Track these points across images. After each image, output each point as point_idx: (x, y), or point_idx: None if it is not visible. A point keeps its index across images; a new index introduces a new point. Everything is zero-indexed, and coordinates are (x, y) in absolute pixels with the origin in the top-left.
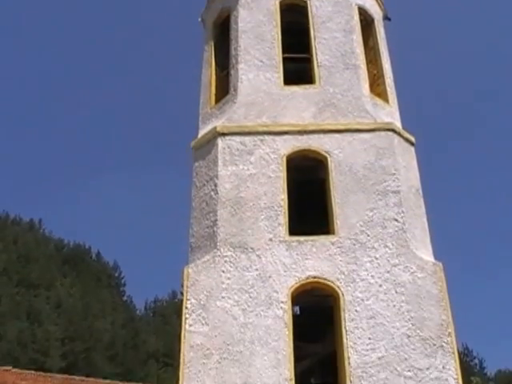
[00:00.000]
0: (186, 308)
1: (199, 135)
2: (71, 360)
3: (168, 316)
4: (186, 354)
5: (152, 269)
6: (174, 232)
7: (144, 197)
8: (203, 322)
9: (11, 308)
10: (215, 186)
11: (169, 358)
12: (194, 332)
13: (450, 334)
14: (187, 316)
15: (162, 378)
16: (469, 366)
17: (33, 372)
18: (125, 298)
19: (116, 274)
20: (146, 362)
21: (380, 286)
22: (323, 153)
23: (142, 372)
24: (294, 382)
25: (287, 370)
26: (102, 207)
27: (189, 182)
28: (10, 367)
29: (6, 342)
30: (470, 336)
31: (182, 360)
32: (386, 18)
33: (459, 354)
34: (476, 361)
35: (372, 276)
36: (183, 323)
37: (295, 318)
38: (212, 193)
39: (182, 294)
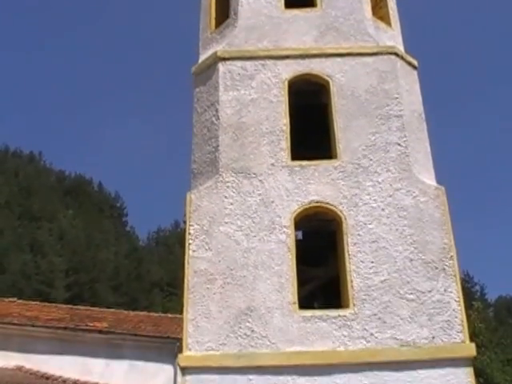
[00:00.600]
0: (189, 234)
1: (199, 60)
2: (76, 291)
3: (171, 245)
4: (190, 279)
5: (154, 199)
6: (176, 161)
7: (144, 126)
8: (206, 247)
9: (14, 240)
10: (216, 111)
11: (173, 287)
12: (197, 257)
13: (451, 257)
14: (190, 242)
15: (166, 306)
16: (470, 292)
17: (38, 303)
18: (127, 229)
19: (118, 205)
20: (150, 291)
21: (382, 210)
22: (325, 77)
23: (146, 301)
24: (297, 305)
25: (291, 294)
26: (102, 139)
27: (190, 108)
28: (14, 299)
29: (9, 274)
30: (471, 263)
31: (186, 285)
32: None
33: (461, 279)
34: (477, 287)
35: (374, 200)
36: (187, 249)
37: (298, 242)
38: (213, 118)
39: (184, 223)
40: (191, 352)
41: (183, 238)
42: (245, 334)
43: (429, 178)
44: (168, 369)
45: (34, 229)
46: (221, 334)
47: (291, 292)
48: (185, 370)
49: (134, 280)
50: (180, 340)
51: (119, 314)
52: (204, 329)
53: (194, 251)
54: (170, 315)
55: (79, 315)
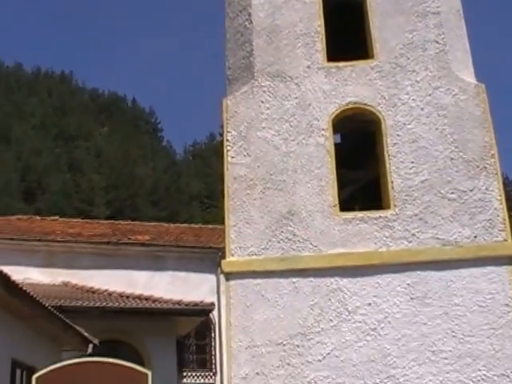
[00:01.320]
0: (227, 140)
1: None
2: (116, 207)
3: (207, 158)
4: (230, 185)
5: (188, 113)
6: (208, 73)
7: (174, 39)
8: (245, 153)
9: (52, 161)
10: (249, 15)
11: (212, 199)
12: (236, 164)
13: (493, 155)
14: (229, 148)
15: (206, 218)
16: (509, 195)
17: (80, 220)
18: (164, 144)
19: (152, 120)
20: (189, 204)
21: (422, 109)
22: None
23: (186, 214)
24: (338, 207)
25: (331, 197)
26: (134, 54)
27: (222, 14)
28: (57, 217)
29: (50, 194)
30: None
31: (226, 192)
32: None
33: (502, 179)
34: None
35: (413, 99)
36: (225, 155)
37: (337, 145)
38: (246, 23)
39: (220, 135)
40: (234, 258)
41: (221, 148)
42: (286, 238)
43: (468, 76)
44: (211, 278)
45: (71, 148)
46: (263, 239)
47: (332, 195)
48: (229, 276)
49: (173, 194)
50: (221, 249)
51: (160, 227)
52: (246, 234)
53: (232, 157)
54: (210, 226)
55: (121, 230)
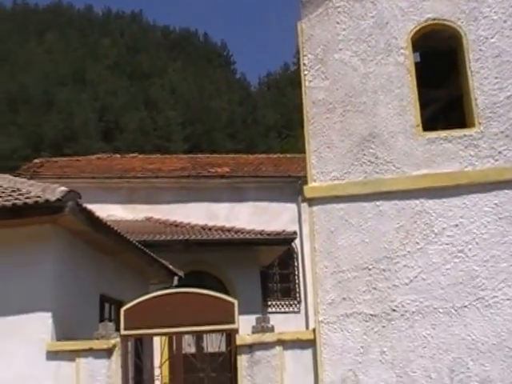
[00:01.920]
0: (304, 64)
1: None
2: (194, 142)
3: (283, 88)
4: (309, 110)
5: (261, 44)
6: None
7: None
8: (323, 76)
9: (128, 100)
10: None
11: (289, 129)
12: (314, 88)
13: None
14: (306, 72)
15: (284, 149)
16: None
17: (159, 155)
18: (237, 76)
19: (225, 54)
20: (266, 135)
21: (505, 21)
22: None
23: (264, 145)
24: (420, 128)
25: (413, 117)
26: None
27: None
28: (135, 154)
29: (128, 132)
30: None
31: (305, 117)
32: None
33: None
34: None
35: (495, 12)
36: (302, 80)
37: (416, 64)
38: None
39: (294, 64)
40: (316, 183)
41: (296, 76)
42: (369, 161)
43: None
44: (291, 207)
45: (146, 86)
46: (345, 163)
47: (413, 115)
48: (311, 202)
49: (250, 126)
50: (301, 178)
51: (239, 159)
52: (327, 159)
53: (310, 81)
54: (288, 155)
55: (200, 163)
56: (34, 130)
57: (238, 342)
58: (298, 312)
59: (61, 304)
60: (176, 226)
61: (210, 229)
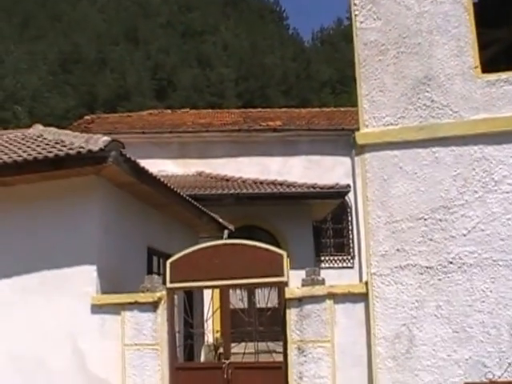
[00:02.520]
0: (355, 4)
1: None
2: (247, 98)
3: (336, 44)
4: (361, 52)
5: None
6: None
7: None
8: (375, 16)
9: (180, 57)
10: None
11: (343, 84)
12: (365, 29)
13: None
14: (356, 13)
15: (338, 103)
16: None
17: (210, 110)
18: (290, 32)
19: (278, 9)
20: (320, 90)
21: None
22: None
23: (317, 101)
24: (479, 69)
25: (471, 58)
26: None
27: None
28: (187, 109)
29: (181, 90)
30: None
31: (356, 60)
32: None
33: None
34: None
35: None
36: (353, 21)
37: (475, 3)
38: None
39: (347, 19)
40: (369, 129)
41: (352, 27)
42: (424, 105)
43: None
44: (345, 161)
45: (199, 43)
46: (398, 108)
47: (472, 55)
48: (363, 149)
49: (304, 81)
50: (355, 131)
51: (291, 113)
52: (380, 103)
53: (361, 22)
54: (342, 109)
55: (252, 117)
56: (88, 90)
57: (287, 295)
58: (352, 267)
59: (106, 257)
60: (227, 180)
61: (261, 183)
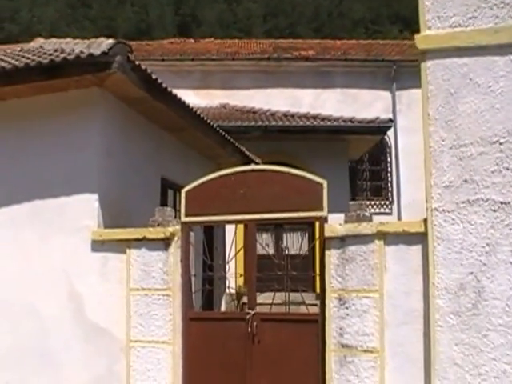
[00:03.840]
0: None
1: None
2: (276, 36)
3: None
4: None
5: None
6: None
7: None
8: None
9: None
10: None
11: (377, 24)
12: None
13: None
14: None
15: None
16: None
17: (237, 40)
18: None
19: None
20: (353, 30)
21: None
22: None
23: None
24: None
25: None
26: None
27: None
28: (211, 39)
29: (206, 26)
30: None
31: None
32: None
33: None
34: None
35: None
36: None
37: None
38: None
39: None
40: (432, 31)
41: None
42: (501, 2)
43: None
44: (385, 96)
45: None
46: (469, 5)
47: None
48: (425, 55)
49: (336, 19)
50: (396, 62)
51: (326, 44)
52: (447, 0)
53: None
54: (381, 42)
55: (283, 47)
56: (107, 24)
57: (327, 233)
58: (390, 214)
59: (110, 185)
60: (254, 112)
61: (292, 116)
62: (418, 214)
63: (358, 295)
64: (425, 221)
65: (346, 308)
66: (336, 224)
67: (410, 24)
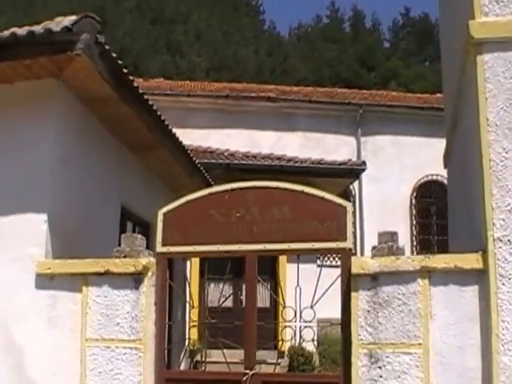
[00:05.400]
0: None
1: None
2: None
3: (314, 41)
4: None
5: None
6: None
7: None
8: None
9: (149, 43)
10: None
11: (318, 85)
12: None
13: None
14: None
15: None
16: None
17: (188, 81)
18: (265, 27)
19: (254, 3)
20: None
21: None
22: None
23: None
24: None
25: None
26: None
27: None
28: (161, 79)
29: (149, 77)
30: None
31: None
32: None
33: None
34: None
35: None
36: None
37: None
38: None
39: (327, 17)
40: (489, 17)
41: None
42: None
43: None
44: (350, 141)
45: (169, 31)
46: None
47: None
48: (482, 46)
49: (279, 77)
50: (363, 106)
51: (284, 88)
52: None
53: None
54: (345, 90)
55: (240, 89)
56: None
57: (355, 269)
58: None
59: (65, 203)
60: (211, 152)
61: (254, 156)
62: None
63: (396, 351)
64: (483, 254)
65: (380, 368)
66: (367, 258)
67: (350, 85)
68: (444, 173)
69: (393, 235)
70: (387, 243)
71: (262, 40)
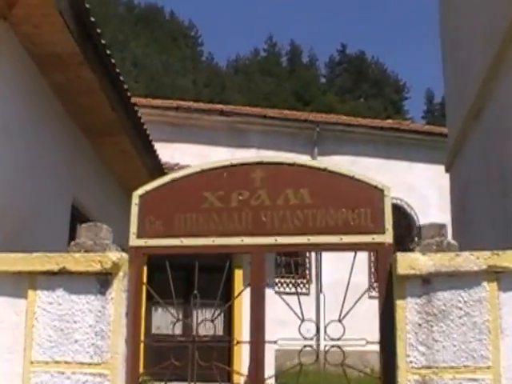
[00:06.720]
0: None
1: None
2: None
3: (252, 74)
4: None
5: (230, 27)
6: None
7: None
8: None
9: None
10: None
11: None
12: None
13: None
14: None
15: None
16: None
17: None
18: (203, 58)
19: (192, 34)
20: None
21: None
22: None
23: None
24: None
25: None
26: None
27: None
28: None
29: None
30: None
31: None
32: None
33: None
34: None
35: None
36: None
37: None
38: None
39: (264, 50)
40: None
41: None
42: None
43: None
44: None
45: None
46: None
47: None
48: None
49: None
50: (320, 124)
51: (239, 108)
52: None
53: None
54: (300, 113)
55: (189, 106)
56: None
57: (403, 268)
58: (308, 294)
59: (6, 183)
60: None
61: None
62: (340, 297)
63: (457, 376)
64: None
65: None
66: (417, 254)
67: None
68: (404, 196)
69: (441, 228)
70: (434, 238)
71: (199, 71)
